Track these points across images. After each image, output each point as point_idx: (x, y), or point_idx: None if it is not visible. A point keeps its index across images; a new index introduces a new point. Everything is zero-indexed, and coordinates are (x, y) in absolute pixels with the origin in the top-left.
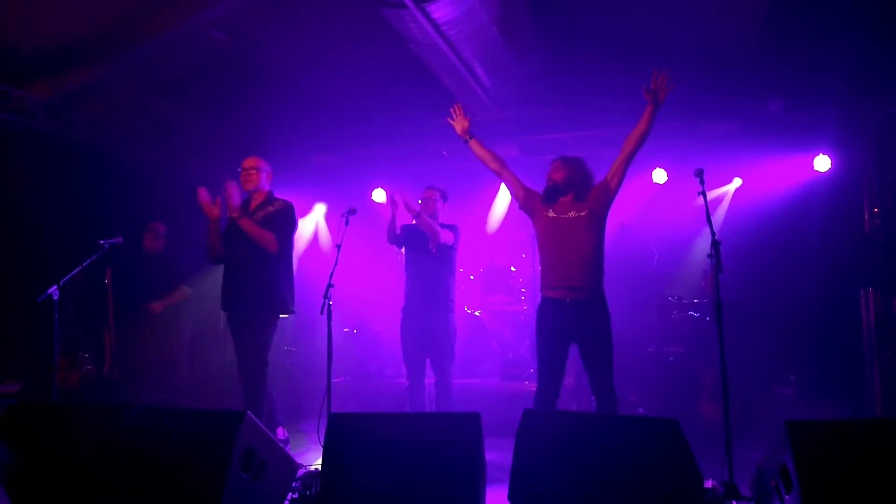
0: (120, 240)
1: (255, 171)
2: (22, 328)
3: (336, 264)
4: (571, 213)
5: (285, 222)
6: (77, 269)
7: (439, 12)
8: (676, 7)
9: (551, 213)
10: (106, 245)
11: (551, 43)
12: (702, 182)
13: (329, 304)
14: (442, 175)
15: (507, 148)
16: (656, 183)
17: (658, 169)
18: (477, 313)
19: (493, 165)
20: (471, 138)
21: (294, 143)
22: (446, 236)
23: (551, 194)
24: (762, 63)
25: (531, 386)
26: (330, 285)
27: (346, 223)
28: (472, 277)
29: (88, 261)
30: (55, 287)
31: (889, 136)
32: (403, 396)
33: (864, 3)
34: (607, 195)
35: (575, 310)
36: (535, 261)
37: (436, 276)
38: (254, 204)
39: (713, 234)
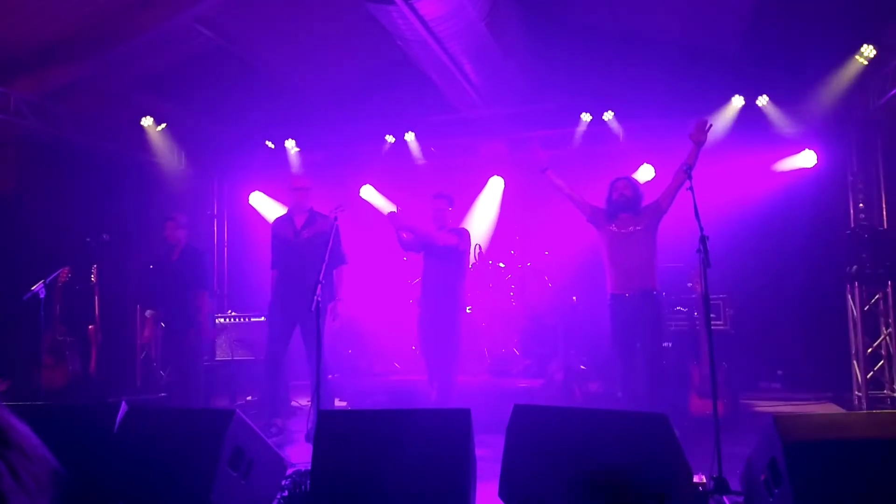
0: (106, 237)
1: (309, 192)
2: (8, 326)
3: (325, 262)
4: (630, 228)
5: (339, 243)
6: (63, 267)
7: (427, 8)
8: (662, 5)
9: (614, 228)
10: (92, 242)
11: (539, 40)
12: (689, 178)
13: (318, 301)
14: (429, 171)
15: (494, 144)
16: (645, 180)
17: (645, 165)
18: (467, 310)
19: (567, 191)
20: (546, 169)
21: (282, 140)
22: (446, 239)
23: (617, 209)
24: (747, 59)
25: (520, 382)
26: (319, 282)
27: (335, 220)
28: None
29: (75, 258)
30: (41, 285)
31: (873, 132)
32: (399, 392)
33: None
34: (658, 214)
35: (634, 304)
36: (525, 258)
37: (445, 277)
38: (300, 222)
39: (701, 229)
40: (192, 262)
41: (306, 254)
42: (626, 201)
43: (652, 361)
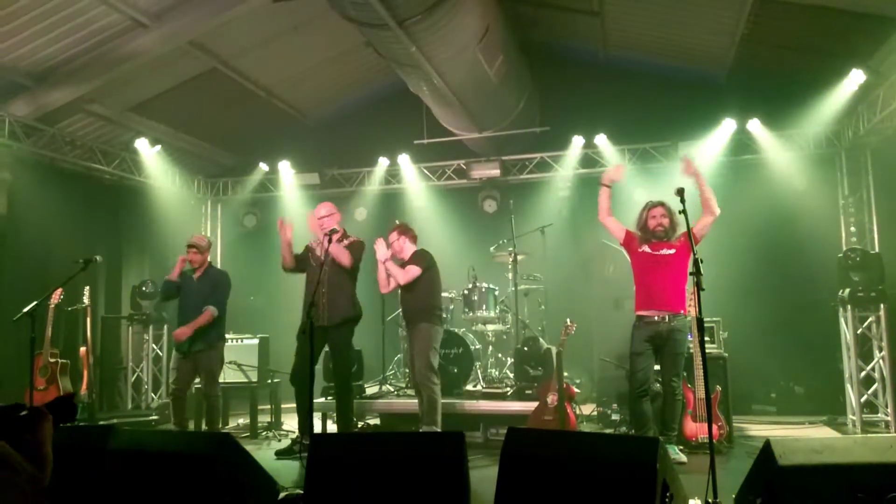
0: (97, 258)
1: (327, 219)
2: (0, 348)
3: (319, 283)
4: (663, 251)
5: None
6: (55, 288)
7: (422, 33)
8: (654, 30)
9: (647, 250)
10: (84, 263)
11: (533, 66)
12: (682, 201)
13: (311, 323)
14: (425, 195)
15: (488, 167)
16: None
17: (637, 188)
18: (461, 332)
19: (607, 213)
20: (609, 186)
21: (276, 161)
22: (406, 277)
23: (653, 237)
24: (739, 83)
25: (514, 405)
26: (313, 304)
27: (329, 241)
28: (453, 294)
29: (67, 279)
30: (33, 306)
31: (863, 155)
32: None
33: (831, 29)
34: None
35: (660, 327)
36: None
37: (415, 299)
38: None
39: (694, 252)
40: (211, 282)
41: (327, 274)
42: (664, 232)
43: (670, 382)
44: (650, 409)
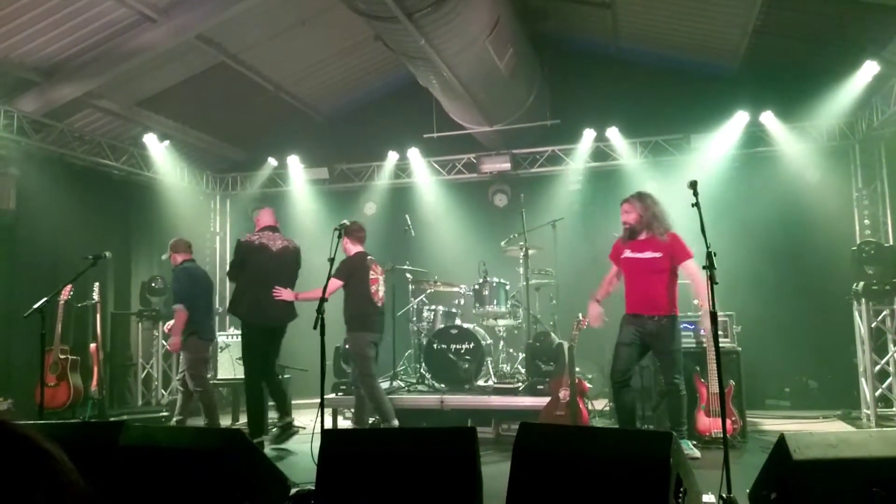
0: (107, 254)
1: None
2: (9, 345)
3: (329, 279)
4: (647, 253)
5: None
6: (64, 285)
7: (431, 26)
8: (665, 27)
9: (629, 252)
10: (93, 259)
11: (543, 58)
12: (695, 194)
13: (322, 319)
14: (435, 189)
15: (498, 161)
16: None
17: (650, 182)
18: (472, 327)
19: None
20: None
21: (285, 156)
22: (331, 290)
23: (629, 235)
24: (751, 76)
25: (526, 400)
26: (323, 300)
27: (339, 236)
28: (462, 290)
29: (76, 275)
30: (42, 302)
31: (877, 148)
32: (403, 410)
33: (844, 20)
34: (677, 259)
35: (649, 322)
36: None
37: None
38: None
39: (707, 245)
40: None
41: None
42: (630, 231)
43: (667, 379)
44: (633, 399)
